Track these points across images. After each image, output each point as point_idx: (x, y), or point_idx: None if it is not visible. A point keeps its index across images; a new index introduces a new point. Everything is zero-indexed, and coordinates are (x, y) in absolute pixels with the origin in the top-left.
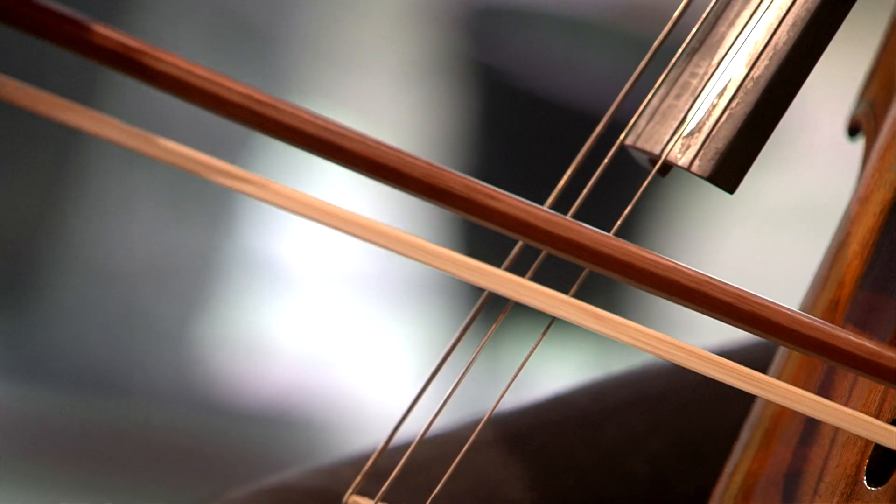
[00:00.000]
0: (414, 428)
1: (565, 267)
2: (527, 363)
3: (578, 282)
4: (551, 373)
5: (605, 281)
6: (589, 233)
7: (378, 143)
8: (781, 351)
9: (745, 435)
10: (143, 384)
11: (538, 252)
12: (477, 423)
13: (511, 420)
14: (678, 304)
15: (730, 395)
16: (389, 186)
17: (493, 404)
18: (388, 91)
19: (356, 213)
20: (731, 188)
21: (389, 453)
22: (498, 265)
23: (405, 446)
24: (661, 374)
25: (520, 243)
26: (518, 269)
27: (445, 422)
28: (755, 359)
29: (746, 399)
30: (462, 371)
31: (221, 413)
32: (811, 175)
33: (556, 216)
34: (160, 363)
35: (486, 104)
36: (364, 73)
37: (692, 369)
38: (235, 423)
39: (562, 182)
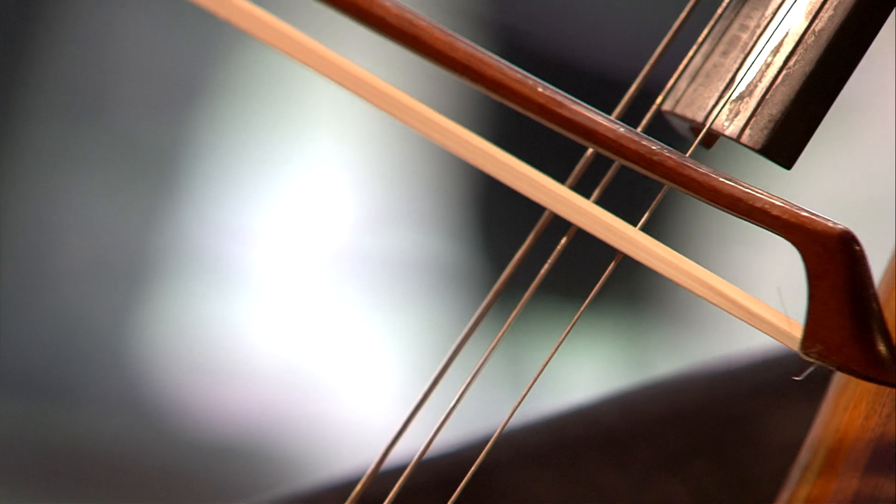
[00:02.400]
0: (411, 448)
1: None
2: (549, 363)
3: (650, 209)
4: (576, 373)
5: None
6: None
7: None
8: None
9: (804, 456)
10: (84, 403)
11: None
12: (486, 441)
13: (525, 438)
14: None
15: (784, 408)
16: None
17: (506, 418)
18: (392, 55)
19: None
20: (787, 163)
21: (382, 478)
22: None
23: (401, 470)
24: (702, 384)
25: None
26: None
27: (449, 439)
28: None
29: (804, 413)
30: (469, 377)
31: (180, 438)
32: (882, 155)
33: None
34: (100, 378)
35: None
36: (366, 31)
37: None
38: (197, 450)
39: (587, 154)
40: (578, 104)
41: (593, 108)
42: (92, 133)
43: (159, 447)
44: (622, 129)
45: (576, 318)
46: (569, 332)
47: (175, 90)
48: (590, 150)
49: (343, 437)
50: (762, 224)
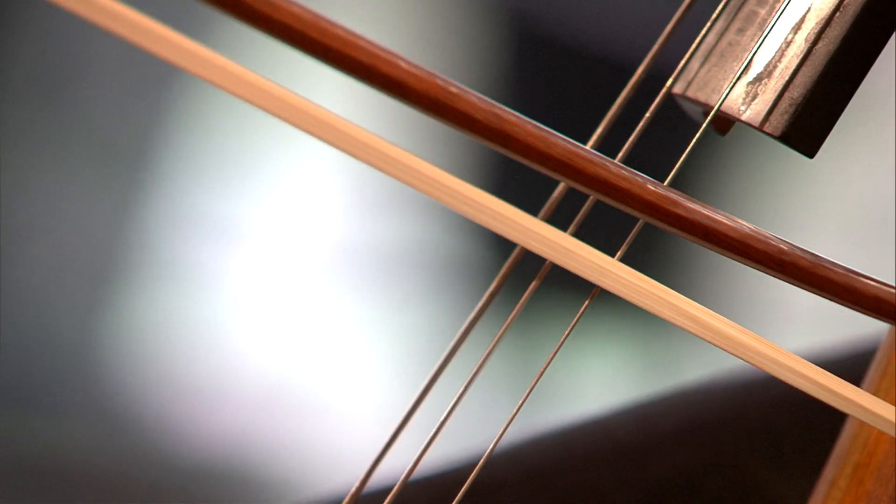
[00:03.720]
0: (406, 465)
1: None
2: (562, 367)
3: (628, 239)
4: (588, 378)
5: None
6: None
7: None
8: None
9: (829, 472)
10: (56, 417)
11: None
12: (489, 455)
13: (531, 453)
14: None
15: (811, 421)
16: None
17: (502, 429)
18: (402, 38)
19: (329, 113)
20: (809, 151)
21: (370, 499)
22: None
23: (389, 489)
24: (721, 395)
25: (560, 188)
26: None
27: (450, 455)
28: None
29: (833, 427)
30: (466, 381)
31: (157, 456)
32: None
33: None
34: (69, 391)
35: (515, 54)
36: (376, 10)
37: (737, 355)
38: (174, 468)
39: (590, 143)
40: (693, 201)
41: (707, 205)
42: (59, 123)
43: (134, 462)
44: (747, 229)
45: (575, 320)
46: (569, 332)
47: (150, 76)
48: (562, 185)
49: (336, 454)
50: None
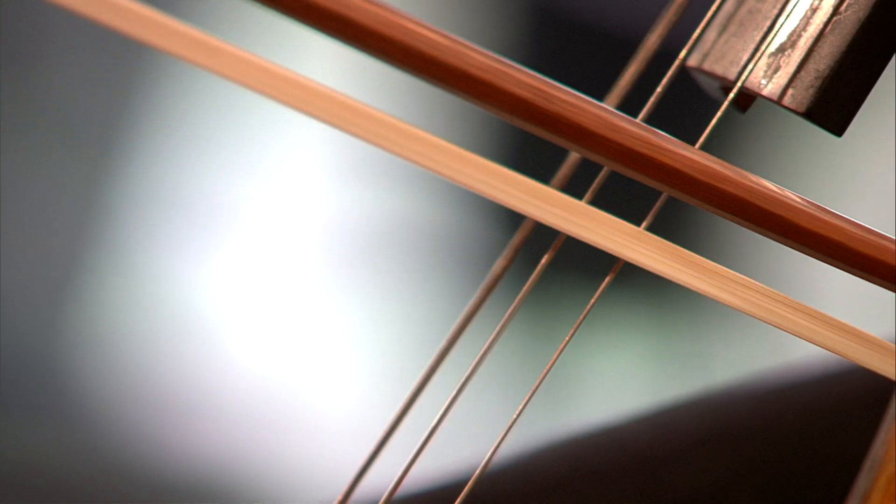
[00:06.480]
0: (394, 474)
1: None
2: (569, 363)
3: (653, 211)
4: (600, 373)
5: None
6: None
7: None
8: None
9: (861, 485)
10: (24, 430)
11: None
12: (496, 470)
13: (541, 463)
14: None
15: (844, 430)
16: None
17: (501, 434)
18: (418, 14)
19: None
20: (838, 129)
21: None
22: None
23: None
24: (748, 401)
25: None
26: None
27: (444, 463)
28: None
29: (866, 436)
30: (460, 383)
31: (131, 476)
32: None
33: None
34: (32, 398)
35: (526, 31)
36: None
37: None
38: (154, 489)
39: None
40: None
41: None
42: (19, 102)
43: (112, 476)
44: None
45: (584, 313)
46: (579, 324)
47: (119, 50)
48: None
49: (325, 463)
50: None
